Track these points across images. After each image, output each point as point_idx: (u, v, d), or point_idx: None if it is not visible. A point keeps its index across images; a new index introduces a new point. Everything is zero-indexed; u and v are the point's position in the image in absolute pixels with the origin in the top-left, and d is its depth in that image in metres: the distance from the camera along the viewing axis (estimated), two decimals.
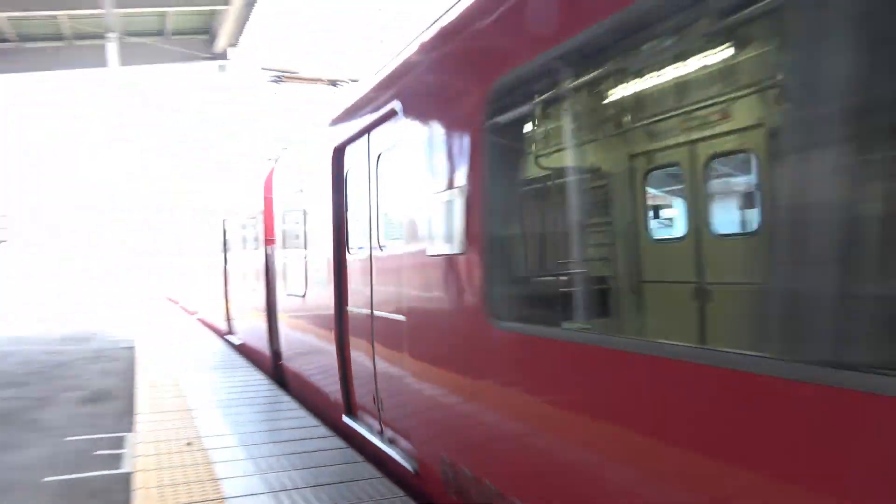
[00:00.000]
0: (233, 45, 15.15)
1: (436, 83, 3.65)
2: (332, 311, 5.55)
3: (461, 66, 3.37)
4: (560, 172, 3.24)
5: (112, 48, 12.13)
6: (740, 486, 1.88)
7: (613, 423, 2.32)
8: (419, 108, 3.85)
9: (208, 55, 15.29)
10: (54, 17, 13.53)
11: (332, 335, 5.57)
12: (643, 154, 4.82)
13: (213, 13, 14.46)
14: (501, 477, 3.04)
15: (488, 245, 3.10)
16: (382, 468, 4.67)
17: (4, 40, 14.71)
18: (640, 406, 2.21)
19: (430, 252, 3.66)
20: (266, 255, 8.72)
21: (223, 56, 15.27)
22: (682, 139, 4.51)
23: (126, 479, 4.74)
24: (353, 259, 5.30)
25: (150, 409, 6.76)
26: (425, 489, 3.98)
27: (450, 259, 3.43)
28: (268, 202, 8.68)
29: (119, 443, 5.70)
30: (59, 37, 14.84)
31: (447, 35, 3.55)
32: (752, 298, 3.26)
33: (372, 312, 4.79)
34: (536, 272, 3.57)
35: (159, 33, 15.18)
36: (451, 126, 3.41)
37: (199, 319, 15.92)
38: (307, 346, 6.55)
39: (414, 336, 4.00)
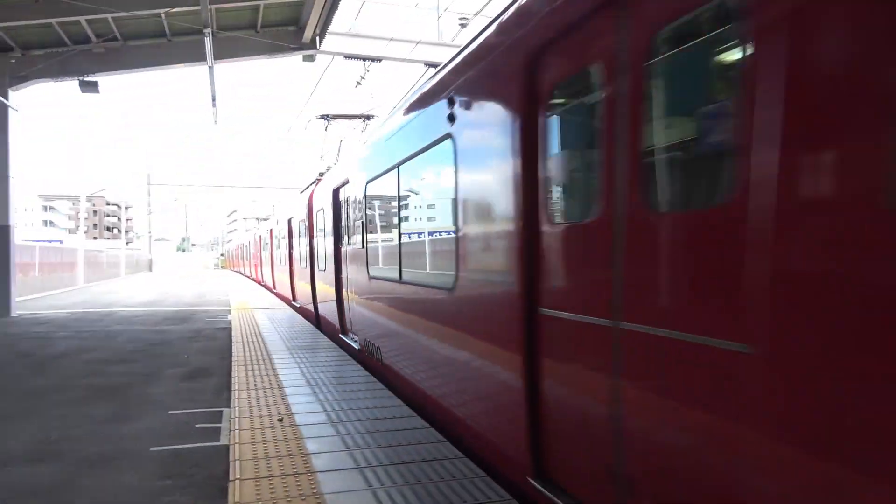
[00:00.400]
0: (320, 34, 15.51)
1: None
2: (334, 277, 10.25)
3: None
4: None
5: (208, 43, 12.68)
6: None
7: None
8: (354, 183, 8.43)
9: (296, 46, 15.72)
10: (158, 15, 14.25)
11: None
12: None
13: (303, 3, 14.84)
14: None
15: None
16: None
17: (111, 39, 15.62)
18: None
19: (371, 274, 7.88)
20: (311, 246, 12.94)
21: (312, 46, 15.66)
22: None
23: (224, 450, 5.03)
24: (345, 250, 9.31)
25: (245, 386, 7.13)
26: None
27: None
28: (310, 210, 13.18)
29: (217, 417, 6.03)
30: (160, 34, 15.62)
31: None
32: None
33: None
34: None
35: (252, 26, 15.72)
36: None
37: (275, 293, 21.17)
38: (321, 296, 11.78)
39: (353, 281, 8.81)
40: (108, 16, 13.83)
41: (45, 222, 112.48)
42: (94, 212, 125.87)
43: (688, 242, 2.41)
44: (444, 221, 4.81)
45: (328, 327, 10.89)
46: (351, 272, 8.59)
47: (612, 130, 2.81)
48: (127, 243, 69.54)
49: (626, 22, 2.70)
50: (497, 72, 3.77)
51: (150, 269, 59.39)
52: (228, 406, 6.38)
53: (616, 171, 2.78)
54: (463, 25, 13.49)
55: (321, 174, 13.78)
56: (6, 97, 15.60)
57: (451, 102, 4.48)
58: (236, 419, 5.73)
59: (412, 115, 5.52)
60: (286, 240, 17.35)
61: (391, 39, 15.41)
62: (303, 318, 14.09)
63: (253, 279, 33.91)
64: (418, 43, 15.61)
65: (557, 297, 3.30)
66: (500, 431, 4.02)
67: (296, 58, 16.00)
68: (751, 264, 2.12)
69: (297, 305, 15.21)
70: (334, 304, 9.89)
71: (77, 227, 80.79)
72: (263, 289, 26.98)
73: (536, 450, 3.62)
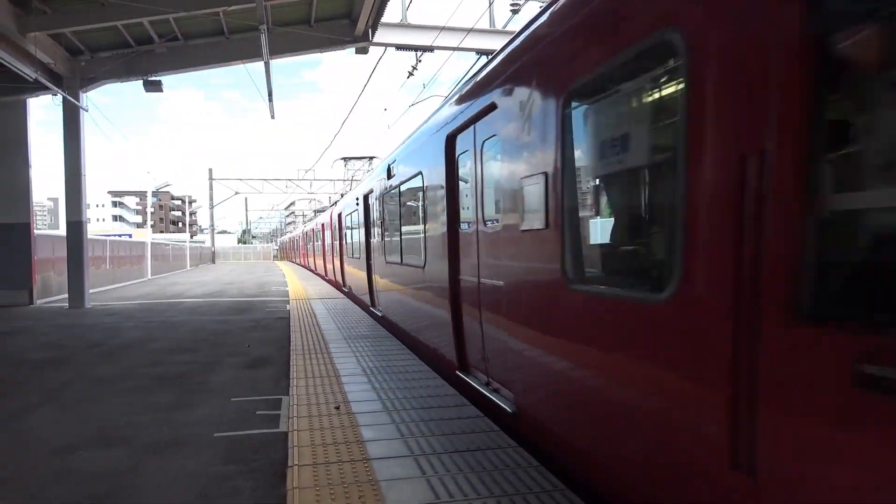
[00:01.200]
0: (372, 27, 15.57)
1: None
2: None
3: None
4: None
5: (264, 39, 12.87)
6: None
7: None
8: (372, 194, 12.08)
9: (349, 38, 15.82)
10: (216, 13, 14.55)
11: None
12: None
13: None
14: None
15: None
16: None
17: (172, 39, 16.03)
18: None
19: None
20: (342, 242, 18.58)
21: (364, 38, 15.74)
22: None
23: (283, 437, 5.10)
24: (372, 241, 12.46)
25: (303, 374, 7.23)
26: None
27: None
28: (333, 218, 20.50)
29: (276, 405, 6.14)
30: (219, 32, 15.95)
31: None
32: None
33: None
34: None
35: (306, 21, 15.90)
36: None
37: (327, 280, 24.83)
38: (353, 278, 15.61)
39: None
40: (170, 16, 14.19)
41: (115, 217, 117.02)
42: (161, 206, 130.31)
43: (485, 242, 5.40)
44: (419, 226, 7.90)
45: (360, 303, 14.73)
46: (375, 259, 12.13)
47: (475, 183, 5.69)
48: (191, 236, 71.70)
49: (474, 136, 5.80)
50: (435, 142, 6.90)
51: (213, 261, 61.14)
52: (287, 394, 6.48)
53: (476, 204, 5.63)
54: (514, 11, 13.34)
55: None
56: (77, 98, 16.20)
57: (418, 153, 7.85)
58: (294, 407, 5.82)
59: (401, 163, 9.16)
60: (338, 231, 19.63)
61: (443, 29, 15.34)
62: (356, 307, 14.31)
63: (312, 271, 34.71)
64: (470, 31, 15.52)
65: (462, 270, 6.19)
66: (444, 348, 6.90)
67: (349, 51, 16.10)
68: (494, 251, 5.08)
69: (347, 290, 17.92)
70: (365, 283, 13.30)
71: (144, 221, 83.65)
72: (318, 278, 27.62)
73: (460, 355, 6.35)
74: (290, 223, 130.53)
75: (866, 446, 2.04)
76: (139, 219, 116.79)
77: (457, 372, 6.37)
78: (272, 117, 17.75)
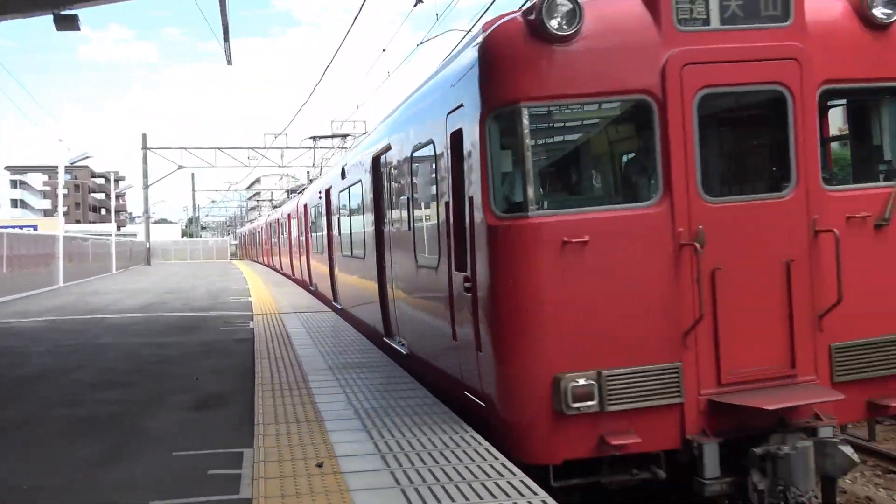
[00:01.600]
0: None
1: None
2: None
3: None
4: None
5: None
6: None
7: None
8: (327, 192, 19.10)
9: None
10: None
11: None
12: None
13: None
14: None
15: None
16: None
17: None
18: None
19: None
20: (307, 236, 23.64)
21: None
22: None
23: None
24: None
25: (273, 418, 7.24)
26: None
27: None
28: (300, 209, 25.89)
29: (237, 460, 6.15)
30: None
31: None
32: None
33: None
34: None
35: None
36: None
37: (294, 279, 29.94)
38: (318, 274, 21.40)
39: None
40: None
41: (15, 202, 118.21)
42: (77, 187, 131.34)
43: (393, 239, 10.85)
44: (363, 223, 13.33)
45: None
46: (336, 253, 17.42)
47: (378, 199, 11.82)
48: (119, 227, 72.26)
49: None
50: (367, 158, 12.47)
51: (149, 261, 61.21)
52: (251, 446, 6.48)
53: (378, 214, 11.76)
54: None
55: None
56: None
57: (358, 165, 13.68)
58: (261, 464, 5.83)
59: (350, 169, 14.83)
60: (305, 223, 24.78)
61: None
62: (346, 324, 14.57)
63: (279, 271, 35.17)
64: None
65: (386, 259, 11.23)
66: (374, 319, 12.15)
67: None
68: (394, 245, 10.87)
69: (313, 289, 23.14)
70: (328, 278, 18.74)
71: (55, 207, 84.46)
72: (292, 283, 28.26)
73: (386, 323, 11.36)
74: (253, 208, 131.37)
75: None
76: (47, 204, 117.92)
77: (383, 338, 11.55)
78: (228, 63, 17.83)
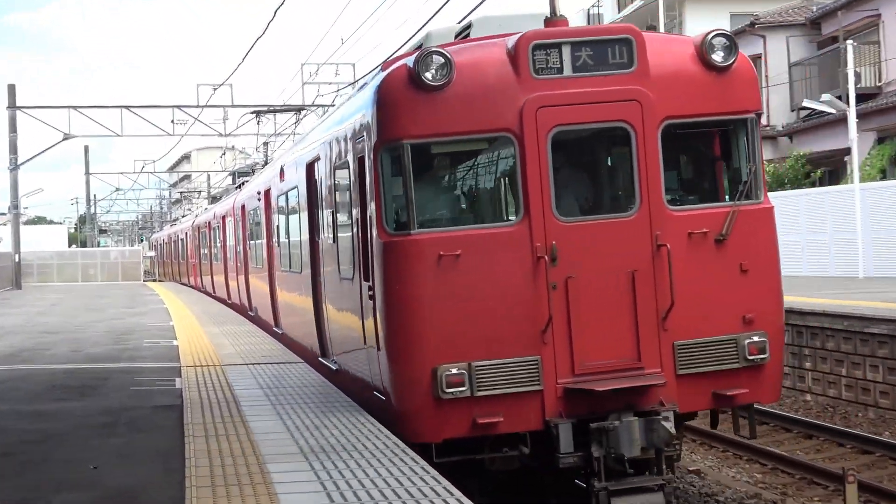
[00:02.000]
0: None
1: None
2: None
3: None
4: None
5: None
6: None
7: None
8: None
9: None
10: None
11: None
12: None
13: None
14: None
15: None
16: None
17: None
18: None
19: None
20: (245, 246, 28.84)
21: None
22: None
23: None
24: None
25: None
26: None
27: None
28: (237, 209, 31.32)
29: None
30: None
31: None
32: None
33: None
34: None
35: None
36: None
37: (231, 304, 33.63)
38: (258, 294, 27.18)
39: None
40: None
41: None
42: None
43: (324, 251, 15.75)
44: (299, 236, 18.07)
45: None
46: (277, 268, 21.51)
47: (312, 209, 16.12)
48: None
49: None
50: (301, 165, 17.07)
51: (18, 284, 59.87)
52: None
53: (312, 224, 16.27)
54: None
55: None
56: None
57: (282, 172, 20.07)
58: None
59: (288, 170, 19.65)
60: (242, 230, 29.93)
61: None
62: (329, 384, 14.77)
63: (211, 294, 36.09)
64: None
65: (319, 271, 15.77)
66: (309, 340, 16.95)
67: None
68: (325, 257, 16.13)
69: (253, 314, 27.89)
70: (269, 298, 22.92)
71: None
72: (244, 321, 28.34)
73: (321, 344, 15.64)
74: (178, 201, 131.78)
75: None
76: None
77: (319, 358, 15.34)
78: None
